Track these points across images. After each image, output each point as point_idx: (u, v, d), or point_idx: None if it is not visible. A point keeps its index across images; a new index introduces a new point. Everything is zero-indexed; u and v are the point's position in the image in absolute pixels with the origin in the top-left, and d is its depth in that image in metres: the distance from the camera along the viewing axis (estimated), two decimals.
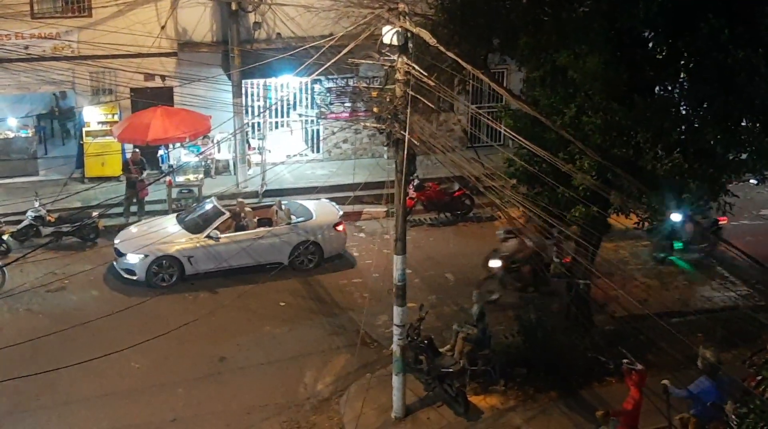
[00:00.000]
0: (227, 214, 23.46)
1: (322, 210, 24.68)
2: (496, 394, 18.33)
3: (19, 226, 24.37)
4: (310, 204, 24.94)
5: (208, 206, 24.18)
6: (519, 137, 16.76)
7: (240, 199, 24.90)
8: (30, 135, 28.56)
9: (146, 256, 22.63)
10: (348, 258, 24.58)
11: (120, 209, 25.99)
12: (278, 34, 28.09)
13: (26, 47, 26.79)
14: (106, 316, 18.83)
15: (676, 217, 18.35)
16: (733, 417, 14.48)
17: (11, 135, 28.35)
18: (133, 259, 22.73)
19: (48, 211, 24.67)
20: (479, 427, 17.40)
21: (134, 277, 22.77)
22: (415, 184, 25.79)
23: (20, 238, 24.31)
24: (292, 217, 24.05)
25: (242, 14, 27.48)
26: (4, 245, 23.77)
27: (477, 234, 25.99)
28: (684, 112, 17.38)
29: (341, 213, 24.69)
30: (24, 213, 24.62)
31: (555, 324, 19.47)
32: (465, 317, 19.36)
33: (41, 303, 21.88)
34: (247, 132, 28.51)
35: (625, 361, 15.98)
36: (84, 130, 27.99)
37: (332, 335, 20.75)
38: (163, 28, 27.38)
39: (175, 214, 24.58)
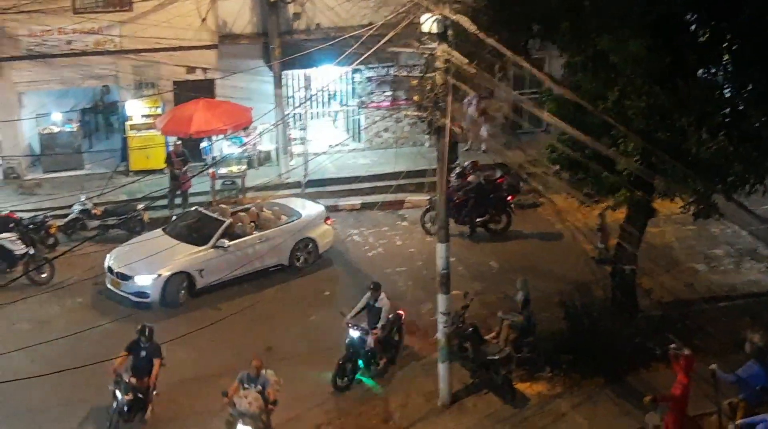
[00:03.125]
0: (228, 221, 22.66)
1: (305, 207, 24.30)
2: (542, 381, 18.30)
3: (66, 220, 24.67)
4: (290, 203, 24.65)
5: (193, 215, 23.59)
6: (561, 123, 16.66)
7: (221, 205, 24.32)
8: (75, 129, 28.85)
9: (159, 275, 21.40)
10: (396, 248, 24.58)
11: (165, 202, 26.22)
12: (318, 24, 28.17)
13: (69, 42, 27.06)
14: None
15: None
16: None
17: (56, 130, 28.66)
18: (144, 280, 21.38)
19: (94, 204, 24.95)
20: (526, 414, 17.37)
21: (147, 300, 21.44)
22: (456, 171, 25.70)
23: (67, 232, 24.62)
24: (283, 217, 23.60)
25: (282, 5, 27.56)
26: (51, 239, 24.06)
27: (520, 221, 25.87)
28: (727, 95, 17.19)
29: (323, 208, 24.50)
30: (70, 207, 24.93)
31: (600, 310, 19.37)
32: (510, 304, 19.31)
33: (89, 296, 22.13)
34: (288, 123, 28.58)
35: (672, 346, 15.87)
36: (128, 123, 28.25)
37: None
38: (203, 20, 27.51)
39: (160, 229, 23.40)
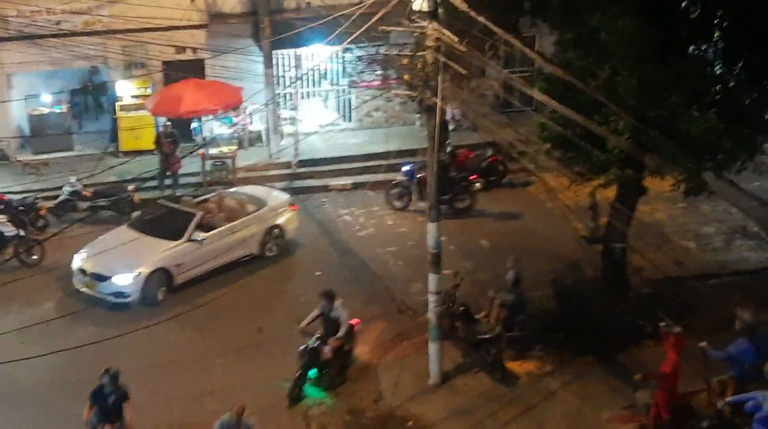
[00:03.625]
0: (200, 213, 22.05)
1: (269, 194, 24.01)
2: (532, 359, 18.32)
3: (56, 202, 24.62)
4: (252, 191, 24.29)
5: (159, 209, 22.99)
6: (552, 101, 16.63)
7: (184, 197, 23.74)
8: (64, 110, 28.72)
9: (139, 273, 20.50)
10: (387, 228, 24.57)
11: (155, 182, 26.15)
12: (308, 3, 28.02)
13: (58, 23, 26.91)
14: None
15: None
16: None
17: (46, 111, 28.54)
18: (123, 280, 20.40)
19: (84, 185, 24.86)
20: (516, 393, 17.41)
21: (127, 300, 20.52)
22: (448, 150, 25.62)
23: (57, 213, 24.57)
24: (249, 206, 23.13)
25: None
26: (42, 220, 24.00)
27: (511, 200, 25.89)
28: (719, 73, 17.17)
29: (287, 195, 24.28)
30: (60, 188, 24.85)
31: (591, 289, 19.40)
32: (500, 283, 19.33)
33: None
34: (279, 103, 28.50)
35: (662, 324, 15.90)
36: (117, 104, 28.18)
37: (368, 304, 20.78)
38: (192, 0, 27.38)
39: (125, 225, 22.59)
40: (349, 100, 30.42)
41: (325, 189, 26.87)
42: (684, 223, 24.23)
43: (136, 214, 23.68)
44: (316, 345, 17.54)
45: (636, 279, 20.29)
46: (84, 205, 24.67)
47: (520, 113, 24.94)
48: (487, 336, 17.94)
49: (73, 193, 24.65)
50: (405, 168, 25.34)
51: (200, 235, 21.53)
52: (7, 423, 16.84)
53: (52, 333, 18.15)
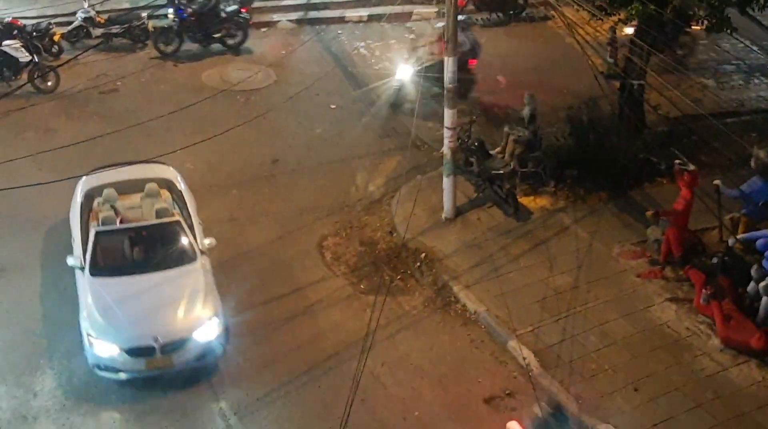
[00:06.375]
0: None
1: None
2: (545, 195, 18.41)
3: (70, 28, 24.39)
4: None
5: None
6: None
7: None
8: None
9: None
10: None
11: (167, 11, 25.73)
12: None
13: None
14: (160, 118, 18.98)
15: None
16: None
17: None
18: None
19: (97, 12, 24.58)
20: (528, 227, 17.56)
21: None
22: None
23: (71, 40, 24.39)
24: None
25: None
26: (55, 47, 23.85)
27: (529, 35, 25.50)
28: None
29: None
30: (74, 14, 24.57)
31: (607, 126, 19.29)
32: (516, 119, 19.24)
33: (94, 105, 22.09)
34: None
35: (677, 161, 15.91)
36: None
37: (383, 138, 20.79)
38: None
39: None
40: None
41: (341, 20, 26.46)
42: (704, 61, 23.93)
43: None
44: None
45: (652, 117, 20.18)
46: (98, 31, 24.47)
47: None
48: (501, 171, 17.99)
49: (87, 19, 24.38)
50: None
51: None
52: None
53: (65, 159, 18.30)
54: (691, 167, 15.69)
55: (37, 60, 22.31)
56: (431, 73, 20.48)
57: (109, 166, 16.74)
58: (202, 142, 17.60)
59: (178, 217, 15.51)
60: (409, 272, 16.63)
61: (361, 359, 13.00)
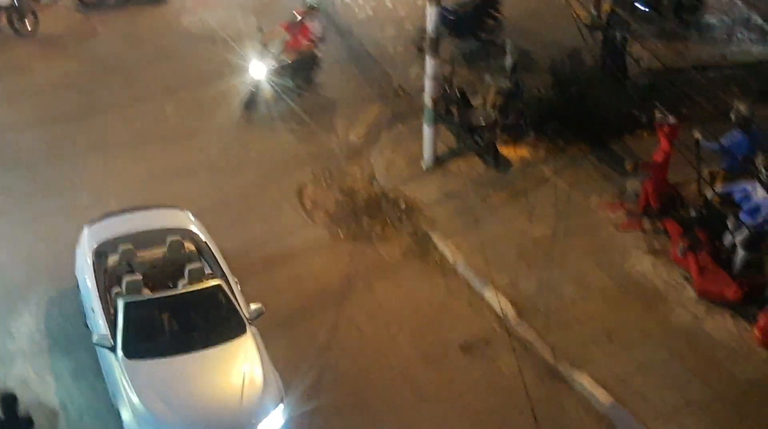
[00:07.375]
0: None
1: None
2: (526, 146, 18.39)
3: None
4: None
5: None
6: None
7: None
8: None
9: None
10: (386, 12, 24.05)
11: None
12: None
13: None
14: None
15: None
16: (763, 169, 14.52)
17: None
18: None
19: None
20: (508, 178, 17.57)
21: None
22: None
23: None
24: None
25: None
26: None
27: None
28: None
29: None
30: None
31: (589, 78, 19.24)
32: (498, 70, 19.16)
33: (74, 49, 21.90)
34: None
35: (657, 114, 15.91)
36: None
37: (364, 86, 20.69)
38: None
39: None
40: None
41: None
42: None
43: None
44: None
45: (635, 69, 20.11)
46: None
47: None
48: (482, 121, 17.95)
49: None
50: None
51: None
52: None
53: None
54: (671, 120, 15.70)
55: (17, 3, 21.99)
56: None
57: (113, 214, 14.43)
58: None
59: (219, 281, 12.96)
60: (389, 221, 16.66)
61: (340, 306, 13.06)
